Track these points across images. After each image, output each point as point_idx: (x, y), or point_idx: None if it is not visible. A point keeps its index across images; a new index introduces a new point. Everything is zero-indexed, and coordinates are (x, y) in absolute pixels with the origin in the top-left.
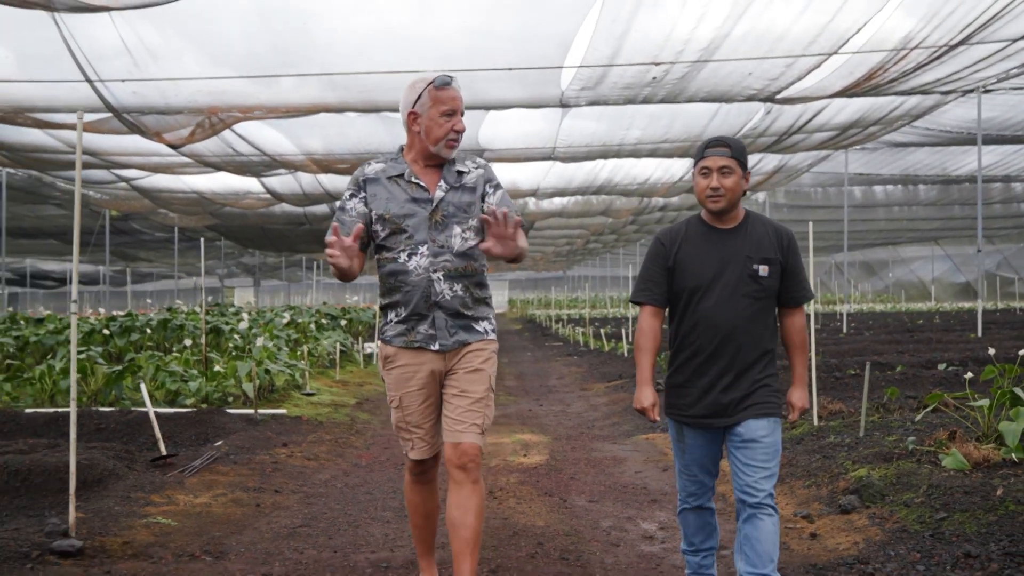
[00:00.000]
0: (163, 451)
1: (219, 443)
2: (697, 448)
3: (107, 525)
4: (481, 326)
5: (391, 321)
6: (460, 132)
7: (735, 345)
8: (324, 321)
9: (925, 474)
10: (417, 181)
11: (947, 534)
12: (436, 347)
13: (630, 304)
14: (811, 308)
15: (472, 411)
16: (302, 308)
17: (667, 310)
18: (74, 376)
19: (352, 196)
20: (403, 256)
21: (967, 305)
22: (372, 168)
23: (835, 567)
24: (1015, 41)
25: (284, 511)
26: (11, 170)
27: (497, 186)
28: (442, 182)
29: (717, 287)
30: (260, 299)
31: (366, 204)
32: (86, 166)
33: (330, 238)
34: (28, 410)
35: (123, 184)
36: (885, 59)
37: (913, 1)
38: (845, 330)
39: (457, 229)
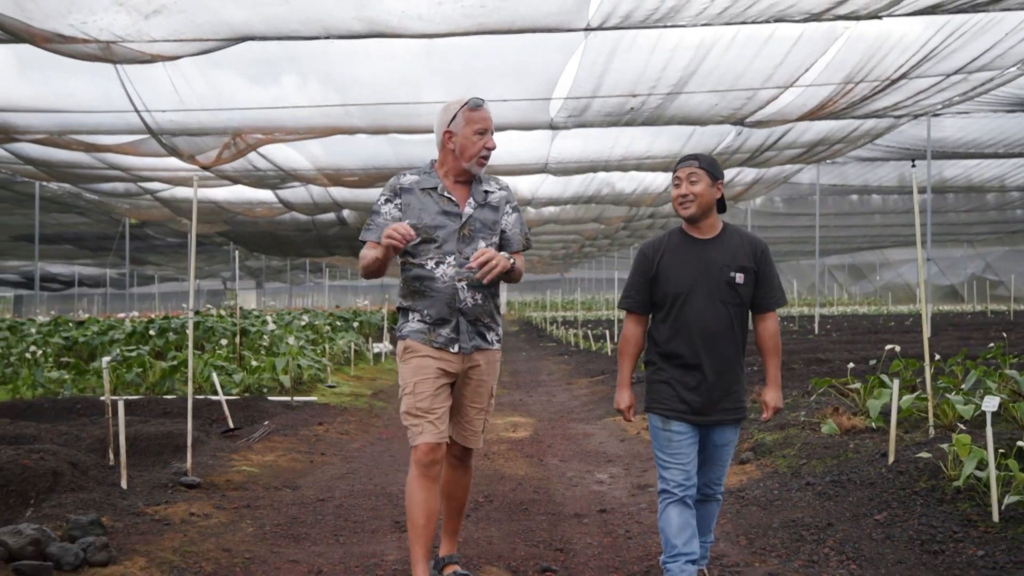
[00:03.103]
0: (231, 425)
1: (266, 423)
2: (684, 435)
3: (210, 471)
4: (491, 336)
5: (412, 320)
6: (491, 149)
7: (714, 347)
8: (338, 323)
9: (804, 437)
10: (449, 196)
11: (802, 473)
12: (456, 349)
13: (615, 307)
14: (795, 310)
15: (476, 419)
16: (317, 311)
17: (651, 316)
18: (191, 369)
19: (387, 202)
20: (430, 264)
21: (946, 308)
22: (407, 179)
23: (724, 495)
24: (948, 76)
25: (331, 466)
26: (44, 183)
27: (515, 208)
28: (471, 199)
29: (697, 293)
30: (263, 301)
31: (400, 210)
32: (115, 180)
33: (393, 228)
34: (103, 397)
35: (147, 196)
36: (834, 92)
37: (851, 45)
38: (817, 331)
39: (482, 244)
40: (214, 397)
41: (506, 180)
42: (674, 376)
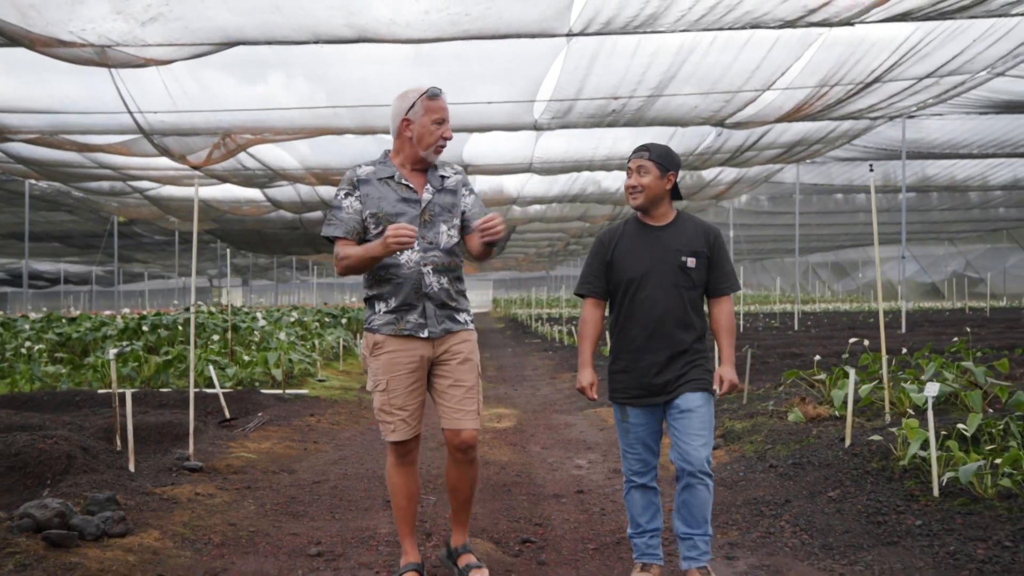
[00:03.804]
0: (227, 416)
1: (260, 414)
2: (639, 427)
3: (210, 457)
4: (462, 317)
5: (379, 311)
6: (448, 139)
7: (668, 330)
8: (327, 320)
9: (771, 425)
10: (407, 183)
11: (767, 456)
12: (425, 334)
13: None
14: (776, 308)
15: (468, 399)
16: (305, 308)
17: (608, 302)
18: (193, 362)
19: (347, 195)
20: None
21: (926, 305)
22: (363, 170)
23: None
24: (921, 79)
25: (324, 452)
26: (33, 181)
27: (471, 190)
28: (428, 185)
29: (651, 278)
30: (248, 298)
31: (360, 202)
32: (104, 179)
33: (400, 229)
34: (101, 391)
35: (136, 195)
36: (810, 94)
37: (826, 50)
38: (796, 327)
39: (443, 227)
40: (209, 390)
41: (491, 179)
42: (629, 362)
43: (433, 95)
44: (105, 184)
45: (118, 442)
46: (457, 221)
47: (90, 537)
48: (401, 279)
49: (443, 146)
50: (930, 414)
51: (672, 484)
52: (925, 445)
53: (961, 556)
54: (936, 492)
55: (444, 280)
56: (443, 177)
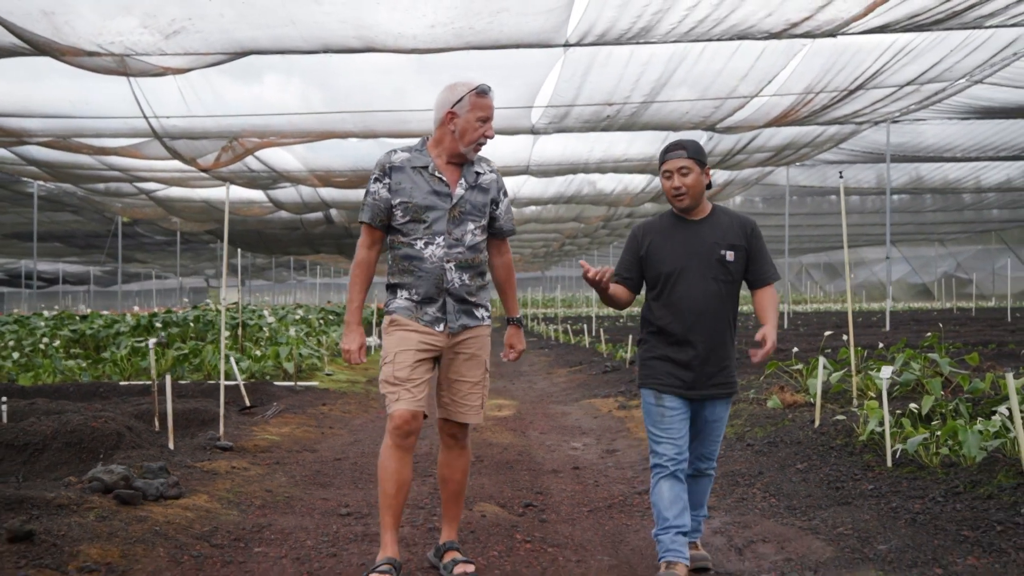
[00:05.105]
0: (247, 403)
1: (275, 403)
2: (675, 411)
3: (237, 439)
4: (480, 312)
5: (400, 297)
6: (490, 137)
7: (706, 324)
8: (330, 317)
9: (751, 410)
10: (440, 176)
11: (746, 437)
12: (442, 328)
13: (595, 303)
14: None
15: (472, 394)
16: (309, 306)
17: (645, 291)
18: (223, 355)
19: (376, 181)
20: (419, 244)
21: (916, 305)
22: (398, 156)
23: None
24: (902, 87)
25: (340, 436)
26: (41, 182)
27: (506, 194)
28: (463, 180)
29: (689, 272)
30: (246, 298)
31: (389, 190)
32: (112, 180)
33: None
34: (122, 383)
35: (142, 196)
36: (795, 101)
37: (810, 60)
38: (786, 326)
39: (471, 225)
40: (228, 382)
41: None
42: (667, 352)
43: (482, 92)
44: (112, 185)
45: (156, 423)
46: (485, 222)
47: (151, 498)
48: (423, 273)
49: (483, 144)
50: (884, 395)
51: None
52: (882, 423)
53: (900, 511)
54: (889, 463)
55: (466, 276)
56: (478, 173)
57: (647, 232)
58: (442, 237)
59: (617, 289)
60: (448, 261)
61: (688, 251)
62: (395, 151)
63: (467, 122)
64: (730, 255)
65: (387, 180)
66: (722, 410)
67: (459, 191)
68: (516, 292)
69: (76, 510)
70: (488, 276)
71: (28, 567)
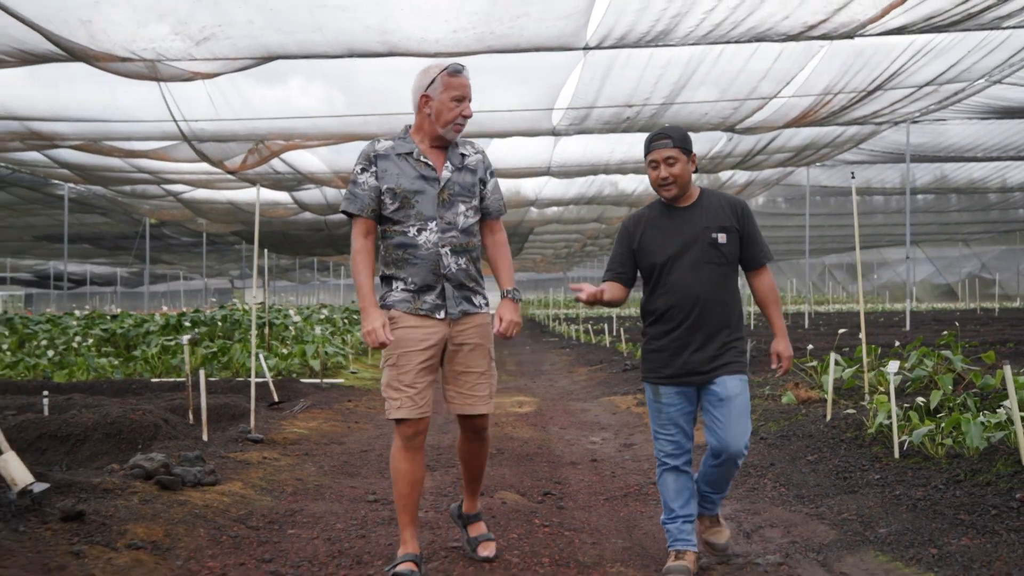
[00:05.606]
0: (276, 399)
1: (302, 400)
2: (672, 407)
3: (267, 432)
4: (478, 300)
5: (396, 289)
6: (467, 117)
7: (702, 310)
8: (355, 317)
9: (766, 406)
10: (425, 160)
11: (760, 431)
12: (442, 315)
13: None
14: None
15: (480, 384)
16: (333, 307)
17: (641, 283)
18: (254, 353)
19: (363, 171)
20: (412, 231)
21: (939, 305)
22: (382, 145)
23: (693, 450)
24: (920, 87)
25: (365, 430)
26: (72, 184)
27: (492, 174)
28: (448, 163)
29: (682, 259)
30: (270, 299)
31: (376, 178)
32: (140, 182)
33: (379, 336)
34: (153, 380)
35: (169, 197)
36: (814, 102)
37: (828, 61)
38: (807, 326)
39: (462, 207)
40: (258, 379)
41: (510, 182)
42: (665, 343)
43: (454, 71)
44: (140, 187)
45: (191, 416)
46: (476, 202)
47: (189, 484)
48: (419, 260)
49: (462, 124)
50: (891, 389)
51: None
52: (891, 416)
53: (903, 498)
54: (896, 454)
55: (462, 260)
56: (463, 155)
57: (638, 224)
58: (434, 222)
59: (612, 288)
60: (443, 246)
61: (680, 238)
62: (378, 140)
63: (441, 103)
64: (722, 237)
65: (374, 168)
66: (735, 385)
67: (446, 173)
68: (511, 266)
69: (120, 494)
70: (480, 263)
71: (80, 543)
